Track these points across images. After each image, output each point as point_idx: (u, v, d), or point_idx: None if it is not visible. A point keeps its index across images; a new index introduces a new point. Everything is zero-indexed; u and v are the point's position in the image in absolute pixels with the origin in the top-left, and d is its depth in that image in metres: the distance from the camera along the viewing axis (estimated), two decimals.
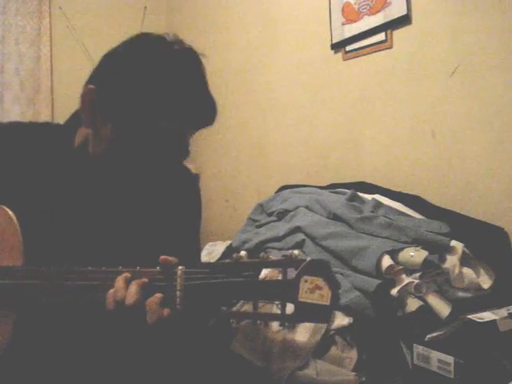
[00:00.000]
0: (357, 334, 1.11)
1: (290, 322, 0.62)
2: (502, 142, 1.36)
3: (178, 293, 0.64)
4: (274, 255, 1.29)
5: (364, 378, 1.01)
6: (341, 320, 1.12)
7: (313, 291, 0.61)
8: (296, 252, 0.63)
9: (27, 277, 0.71)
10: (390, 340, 1.11)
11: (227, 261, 0.64)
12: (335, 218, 1.40)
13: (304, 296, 0.61)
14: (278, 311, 0.62)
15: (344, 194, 1.55)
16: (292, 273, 0.62)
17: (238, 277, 0.63)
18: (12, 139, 0.86)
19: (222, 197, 2.53)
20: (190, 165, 2.69)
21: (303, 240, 1.37)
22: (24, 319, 0.74)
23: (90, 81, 0.80)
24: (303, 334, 1.11)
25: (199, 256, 1.08)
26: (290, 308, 0.62)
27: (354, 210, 1.40)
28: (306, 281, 0.61)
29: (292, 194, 1.69)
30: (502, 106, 1.35)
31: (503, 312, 1.09)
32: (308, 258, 0.62)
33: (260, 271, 0.63)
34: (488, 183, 1.39)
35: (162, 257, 0.67)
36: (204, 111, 0.80)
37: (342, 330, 1.11)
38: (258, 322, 0.63)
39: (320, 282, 0.61)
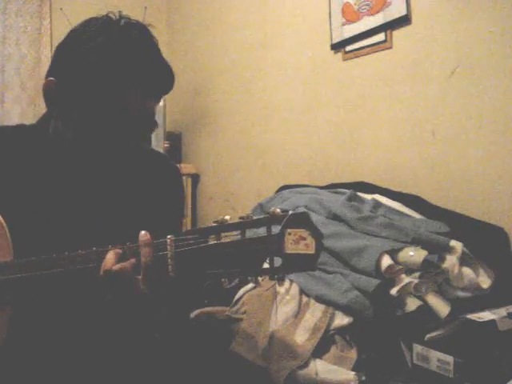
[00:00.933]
0: (356, 333, 1.11)
1: (280, 275, 0.65)
2: (502, 142, 1.36)
3: (169, 261, 0.66)
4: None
5: (364, 378, 1.01)
6: (341, 320, 1.12)
7: (297, 242, 0.63)
8: (278, 209, 0.65)
9: (18, 270, 0.72)
10: (389, 340, 1.11)
11: (213, 224, 0.66)
12: (335, 217, 1.40)
13: (290, 248, 0.63)
14: (267, 266, 0.65)
15: (344, 193, 1.55)
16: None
17: (225, 238, 0.65)
18: None
19: (222, 197, 2.54)
20: (190, 165, 2.70)
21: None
22: (19, 312, 0.75)
23: (48, 73, 0.82)
24: (303, 333, 1.11)
25: None
26: (278, 261, 0.65)
27: (353, 210, 1.40)
28: (290, 233, 0.64)
29: (292, 193, 1.69)
30: (501, 106, 1.36)
31: (502, 312, 1.09)
32: (290, 212, 0.64)
33: (246, 230, 0.65)
34: (488, 183, 1.39)
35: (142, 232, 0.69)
36: (159, 76, 0.81)
37: (341, 330, 1.11)
38: (249, 278, 0.65)
39: (303, 232, 0.64)
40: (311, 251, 0.63)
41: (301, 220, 0.64)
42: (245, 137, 2.38)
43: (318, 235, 0.64)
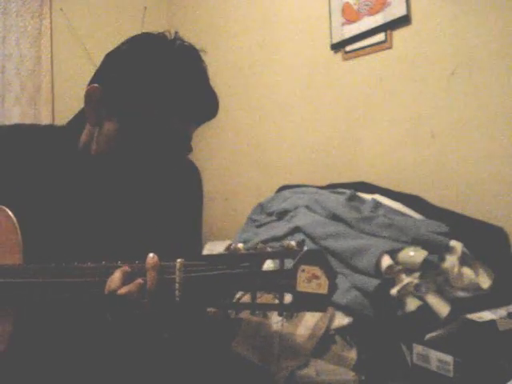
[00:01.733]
0: (357, 333, 1.11)
1: (289, 312, 0.63)
2: (502, 142, 1.36)
3: (176, 285, 0.64)
4: None
5: (364, 378, 1.01)
6: (341, 320, 1.12)
7: (310, 280, 0.61)
8: (293, 242, 0.63)
9: (27, 275, 0.71)
10: (389, 340, 1.11)
11: (225, 253, 0.64)
12: (335, 217, 1.40)
13: (302, 285, 0.61)
14: (277, 301, 0.63)
15: (344, 193, 1.56)
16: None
17: (236, 268, 0.63)
18: (15, 141, 0.86)
19: (222, 197, 2.53)
20: None
21: (303, 240, 1.36)
22: (25, 316, 0.75)
23: (94, 80, 0.81)
24: (303, 333, 1.11)
25: (200, 250, 1.08)
26: (288, 298, 0.62)
27: (353, 210, 1.40)
28: (303, 270, 0.61)
29: (292, 193, 1.69)
30: (501, 106, 1.36)
31: (502, 312, 1.09)
32: (305, 248, 0.62)
33: (257, 262, 0.63)
34: (487, 183, 1.39)
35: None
36: (206, 104, 0.82)
37: (341, 330, 1.11)
38: (257, 312, 0.63)
39: (317, 271, 0.61)
40: (323, 291, 0.61)
41: (316, 257, 0.62)
42: (245, 136, 2.38)
43: (332, 275, 0.61)
